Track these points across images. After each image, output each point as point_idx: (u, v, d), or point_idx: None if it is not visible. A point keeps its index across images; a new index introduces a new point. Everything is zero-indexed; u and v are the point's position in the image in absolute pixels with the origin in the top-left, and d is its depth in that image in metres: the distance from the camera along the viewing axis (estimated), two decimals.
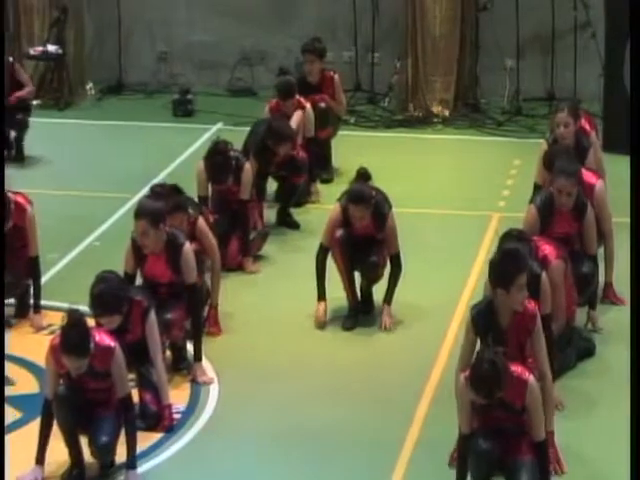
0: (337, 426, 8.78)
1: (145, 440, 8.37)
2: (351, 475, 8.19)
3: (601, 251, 10.40)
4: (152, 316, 8.66)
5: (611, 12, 13.78)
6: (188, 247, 9.42)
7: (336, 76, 13.56)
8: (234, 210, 11.19)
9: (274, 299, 10.80)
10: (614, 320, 10.24)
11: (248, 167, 11.22)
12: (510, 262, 8.04)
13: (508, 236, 8.93)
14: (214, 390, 9.31)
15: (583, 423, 8.67)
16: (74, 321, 7.85)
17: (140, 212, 9.26)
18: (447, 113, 15.05)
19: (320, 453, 8.46)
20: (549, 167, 10.58)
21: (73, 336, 7.71)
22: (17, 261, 10.12)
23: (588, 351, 9.64)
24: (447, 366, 9.32)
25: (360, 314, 10.26)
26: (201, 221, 10.13)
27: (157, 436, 8.60)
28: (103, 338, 7.92)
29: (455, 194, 12.90)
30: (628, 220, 10.69)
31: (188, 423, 8.87)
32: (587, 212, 9.87)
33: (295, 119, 12.40)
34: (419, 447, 8.48)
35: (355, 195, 9.96)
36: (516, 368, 7.45)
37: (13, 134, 13.55)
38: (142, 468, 8.15)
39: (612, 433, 8.64)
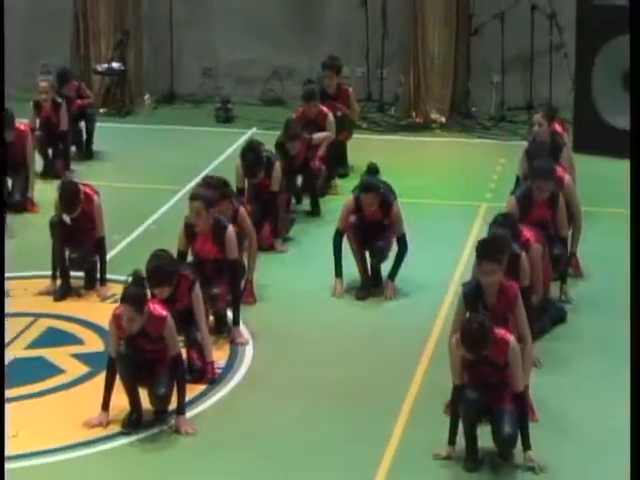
0: (352, 380, 8.79)
1: (192, 391, 8.41)
2: (364, 419, 8.20)
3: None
4: (197, 288, 8.69)
5: (580, 36, 13.73)
6: (231, 229, 9.44)
7: (350, 89, 13.54)
8: (266, 200, 11.17)
9: (299, 274, 10.82)
10: (582, 292, 10.23)
11: (278, 164, 11.21)
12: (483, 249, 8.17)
13: (496, 222, 8.97)
14: (249, 350, 9.33)
15: (557, 379, 8.64)
16: (137, 279, 8.01)
17: (195, 196, 9.35)
18: (443, 119, 15.03)
19: (338, 402, 8.47)
20: (530, 157, 10.62)
21: (131, 293, 7.84)
22: (86, 241, 10.17)
23: (561, 318, 9.65)
24: (442, 330, 9.30)
25: (370, 287, 10.24)
26: (242, 209, 10.15)
27: (202, 387, 8.63)
28: (157, 308, 7.97)
29: (449, 187, 12.88)
30: (593, 209, 10.75)
31: (227, 377, 8.90)
32: (559, 201, 9.87)
33: (320, 135, 12.41)
34: (420, 396, 8.52)
35: (366, 185, 10.01)
36: (499, 330, 7.44)
37: (84, 136, 13.65)
38: (189, 414, 8.17)
39: (581, 387, 8.68)
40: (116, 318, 7.98)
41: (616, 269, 10.57)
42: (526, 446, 7.44)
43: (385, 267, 10.37)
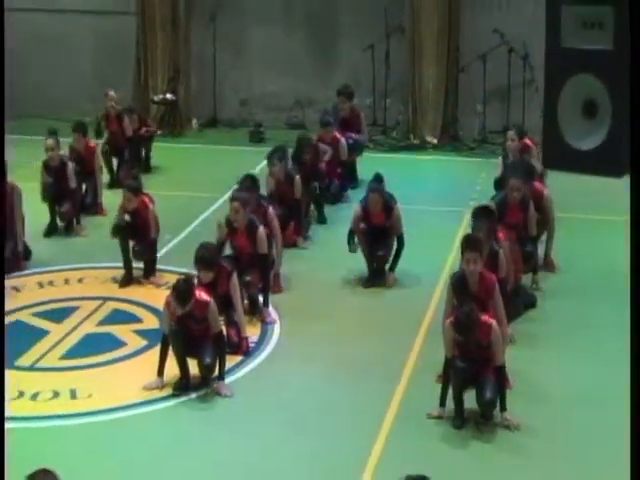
0: (359, 354, 8.79)
1: (230, 361, 8.39)
2: (370, 386, 8.18)
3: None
4: (234, 277, 8.70)
5: (548, 74, 13.73)
6: (262, 229, 9.44)
7: (362, 114, 13.55)
8: (290, 205, 11.15)
9: (316, 267, 10.74)
10: (550, 282, 10.14)
11: (298, 177, 11.18)
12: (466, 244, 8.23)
13: (477, 214, 9.08)
14: (277, 328, 9.31)
15: (528, 353, 8.60)
16: (186, 277, 8.06)
17: (235, 197, 9.41)
18: (436, 141, 14.98)
19: (348, 371, 8.48)
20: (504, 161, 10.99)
21: (182, 285, 7.85)
22: (144, 240, 10.14)
23: (532, 303, 9.58)
24: (435, 313, 9.29)
25: (375, 278, 10.17)
26: (271, 210, 10.16)
27: (238, 358, 8.61)
28: (202, 295, 7.97)
29: (440, 196, 12.84)
30: (561, 214, 10.72)
31: (259, 350, 8.89)
32: (530, 206, 9.83)
33: (325, 148, 12.40)
34: (416, 367, 8.52)
35: (372, 188, 10.05)
36: (484, 317, 7.45)
37: (144, 153, 13.70)
38: (228, 380, 8.17)
39: (549, 360, 8.63)
40: (168, 303, 8.02)
41: (582, 265, 10.60)
42: (503, 408, 7.45)
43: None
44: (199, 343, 8.04)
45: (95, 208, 12.14)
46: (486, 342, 7.41)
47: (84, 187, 12.07)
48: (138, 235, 10.17)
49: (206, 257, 8.51)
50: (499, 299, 8.19)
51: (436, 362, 7.87)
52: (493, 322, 7.50)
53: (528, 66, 14.38)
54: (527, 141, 11.46)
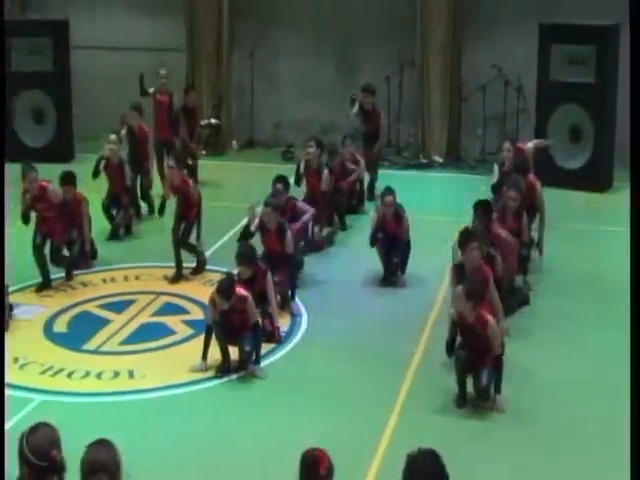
0: (375, 342, 8.78)
1: (265, 347, 8.39)
2: (384, 368, 8.19)
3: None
4: (269, 275, 8.71)
5: (539, 103, 13.67)
6: (289, 233, 9.47)
7: (382, 113, 13.53)
8: (317, 198, 11.27)
9: (339, 268, 10.67)
10: (541, 283, 10.05)
11: (326, 172, 11.35)
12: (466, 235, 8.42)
13: (476, 206, 9.22)
14: (305, 320, 9.29)
15: (522, 344, 8.54)
16: (227, 276, 8.14)
17: (267, 203, 9.53)
18: (442, 160, 14.91)
19: (364, 357, 8.48)
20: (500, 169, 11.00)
21: (224, 283, 7.92)
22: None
23: (525, 301, 9.53)
24: (440, 308, 9.26)
25: (388, 279, 10.12)
26: (299, 202, 10.48)
27: (271, 346, 8.62)
28: (241, 290, 8.00)
29: (445, 207, 12.78)
30: (553, 224, 10.67)
31: (289, 339, 8.89)
32: (523, 215, 9.75)
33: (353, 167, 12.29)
34: (425, 354, 8.50)
35: (386, 191, 10.07)
36: (481, 311, 7.44)
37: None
38: (263, 363, 8.20)
39: (540, 351, 8.59)
40: (212, 300, 8.05)
41: (569, 268, 10.50)
42: (498, 391, 7.45)
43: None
44: (239, 332, 8.06)
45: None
46: (484, 334, 7.38)
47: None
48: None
49: (245, 254, 8.53)
50: (494, 291, 8.16)
51: (441, 351, 7.83)
52: (489, 317, 7.46)
53: (522, 96, 14.31)
54: (520, 145, 11.44)
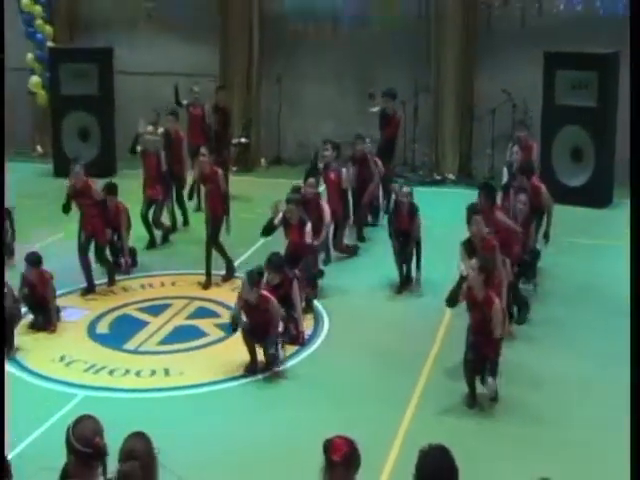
0: (391, 342, 8.74)
1: (290, 349, 8.44)
2: (399, 367, 8.16)
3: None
4: (295, 282, 8.67)
5: (544, 125, 13.59)
6: (309, 225, 9.53)
7: (401, 118, 13.29)
8: (339, 196, 11.16)
9: (358, 276, 10.58)
10: (542, 291, 9.93)
11: (344, 170, 11.25)
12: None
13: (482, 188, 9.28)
14: (326, 323, 9.29)
15: (525, 347, 8.54)
16: (258, 268, 8.21)
17: (290, 200, 9.59)
18: (454, 177, 14.85)
19: (380, 356, 8.47)
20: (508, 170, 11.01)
21: (253, 271, 8.02)
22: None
23: (525, 304, 9.25)
24: (451, 312, 8.99)
25: (403, 285, 10.05)
26: (323, 202, 10.37)
27: (296, 347, 8.63)
28: (266, 294, 8.02)
29: (457, 220, 12.51)
30: (555, 238, 10.62)
31: (312, 341, 8.88)
32: (531, 225, 9.61)
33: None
34: (437, 355, 8.49)
35: (404, 184, 10.44)
36: (491, 293, 7.41)
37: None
38: (289, 363, 8.25)
39: (541, 353, 8.55)
40: (239, 297, 8.13)
41: (568, 277, 10.43)
42: (494, 374, 7.39)
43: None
44: (264, 332, 8.04)
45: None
46: (489, 314, 7.30)
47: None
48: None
49: (275, 262, 8.49)
50: (500, 261, 8.07)
51: (452, 352, 7.86)
52: (496, 300, 7.38)
53: (529, 119, 14.25)
54: (529, 143, 11.33)
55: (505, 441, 7.03)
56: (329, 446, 4.11)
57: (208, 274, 10.22)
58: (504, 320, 7.60)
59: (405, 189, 10.06)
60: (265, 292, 8.04)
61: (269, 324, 8.05)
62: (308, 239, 9.53)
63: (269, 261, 8.49)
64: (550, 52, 13.25)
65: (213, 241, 10.22)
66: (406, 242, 10.00)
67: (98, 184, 10.53)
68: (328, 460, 4.08)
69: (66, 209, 10.09)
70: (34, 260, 9.00)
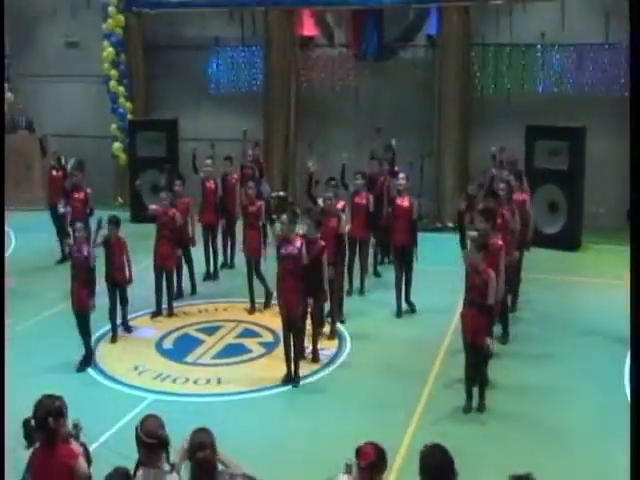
0: (400, 361, 8.68)
1: (316, 366, 8.41)
2: (408, 382, 8.07)
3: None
4: (324, 256, 8.16)
5: (528, 182, 13.54)
6: (344, 219, 9.30)
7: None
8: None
9: (373, 306, 10.28)
10: (522, 318, 9.83)
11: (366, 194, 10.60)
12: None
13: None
14: (348, 344, 9.18)
15: (507, 362, 8.46)
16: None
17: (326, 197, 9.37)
18: (453, 225, 14.48)
19: (394, 373, 8.36)
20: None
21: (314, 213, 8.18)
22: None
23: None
24: (451, 336, 9.09)
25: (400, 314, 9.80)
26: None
27: (321, 364, 8.58)
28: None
29: (456, 261, 12.53)
30: (534, 275, 10.56)
31: (336, 358, 8.79)
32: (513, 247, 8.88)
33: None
34: (440, 371, 8.41)
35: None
36: (489, 269, 7.10)
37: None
38: (316, 376, 8.16)
39: (521, 366, 8.49)
40: (277, 235, 7.95)
41: (545, 307, 10.34)
42: (490, 334, 7.07)
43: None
44: (292, 289, 7.78)
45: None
46: (485, 284, 6.98)
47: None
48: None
49: (314, 214, 8.13)
50: (501, 263, 7.64)
51: (453, 367, 7.84)
52: (491, 272, 7.07)
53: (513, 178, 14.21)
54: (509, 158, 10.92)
55: (496, 440, 6.95)
56: (359, 452, 4.00)
57: (252, 301, 10.20)
58: (497, 290, 7.29)
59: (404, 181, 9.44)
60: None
61: (296, 271, 7.60)
62: (342, 230, 8.99)
63: (308, 210, 8.12)
64: (531, 125, 13.33)
65: (256, 272, 10.00)
66: (404, 263, 9.49)
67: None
68: (357, 464, 3.99)
69: (145, 217, 10.10)
70: (116, 221, 8.78)
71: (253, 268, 10.06)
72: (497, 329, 8.32)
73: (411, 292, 9.93)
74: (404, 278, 9.72)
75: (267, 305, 10.30)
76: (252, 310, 10.13)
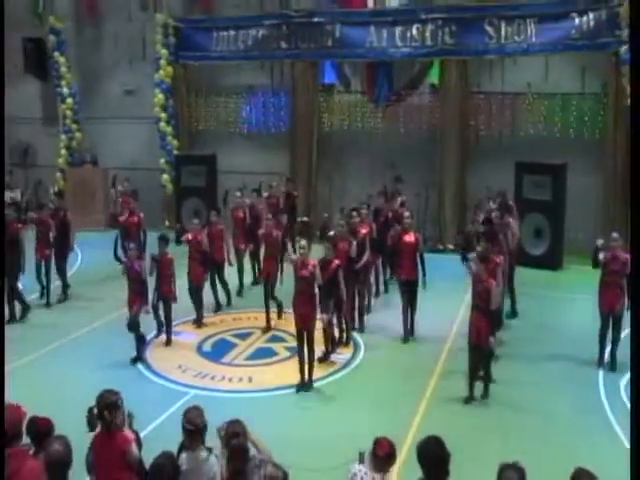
0: (404, 368, 8.52)
1: (331, 368, 8.41)
2: (412, 383, 7.95)
3: None
4: (340, 273, 8.17)
5: (517, 210, 13.49)
6: (364, 232, 9.21)
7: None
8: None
9: (380, 326, 9.81)
10: (513, 327, 9.75)
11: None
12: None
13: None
14: (363, 350, 9.08)
15: (505, 361, 8.34)
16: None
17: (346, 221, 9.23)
18: (453, 247, 14.40)
19: (402, 374, 8.35)
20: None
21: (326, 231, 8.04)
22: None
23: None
24: (450, 346, 9.01)
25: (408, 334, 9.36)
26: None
27: (337, 367, 8.51)
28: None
29: (456, 277, 11.25)
30: (523, 289, 10.36)
31: (351, 362, 8.70)
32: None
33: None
34: (441, 375, 8.35)
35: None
36: (491, 279, 7.11)
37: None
38: (332, 378, 8.14)
39: (516, 367, 8.42)
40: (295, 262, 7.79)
41: (533, 318, 10.25)
42: (493, 334, 7.12)
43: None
44: (308, 307, 7.72)
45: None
46: (487, 291, 7.02)
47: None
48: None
49: (331, 237, 8.05)
50: (500, 278, 7.50)
51: (452, 373, 7.83)
52: (494, 282, 7.14)
53: (505, 208, 14.15)
54: (510, 203, 10.42)
55: (493, 431, 6.90)
56: (377, 443, 4.00)
57: (267, 321, 9.70)
58: (499, 298, 7.29)
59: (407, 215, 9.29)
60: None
61: (311, 293, 7.48)
62: (353, 253, 8.81)
63: (326, 233, 7.99)
64: (519, 162, 13.34)
65: (271, 296, 9.73)
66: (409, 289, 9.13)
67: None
68: (374, 452, 3.98)
69: (178, 241, 10.01)
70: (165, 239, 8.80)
71: (270, 293, 9.81)
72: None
73: (415, 319, 9.43)
74: (409, 308, 9.32)
75: (279, 316, 10.00)
76: (268, 328, 9.69)
